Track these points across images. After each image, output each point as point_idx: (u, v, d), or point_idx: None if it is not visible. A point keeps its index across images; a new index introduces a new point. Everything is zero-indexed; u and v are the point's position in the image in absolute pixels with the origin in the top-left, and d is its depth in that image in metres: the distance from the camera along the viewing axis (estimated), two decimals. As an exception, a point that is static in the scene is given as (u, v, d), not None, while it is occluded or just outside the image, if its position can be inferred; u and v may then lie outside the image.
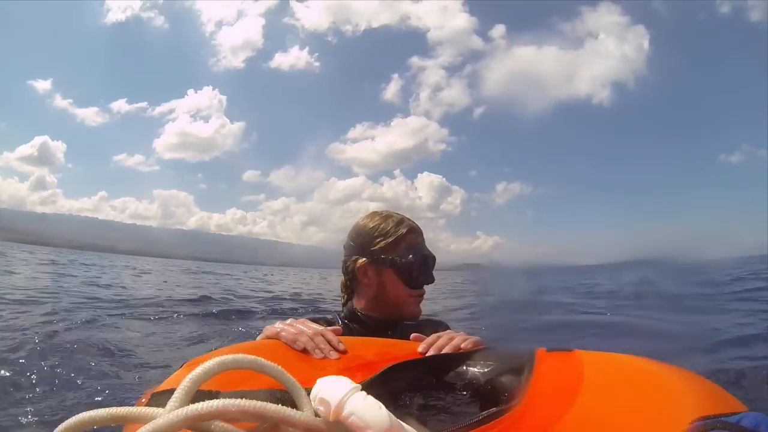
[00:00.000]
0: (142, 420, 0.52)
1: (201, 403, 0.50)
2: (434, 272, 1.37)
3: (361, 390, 0.51)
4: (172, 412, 0.50)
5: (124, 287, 9.10)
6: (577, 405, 0.60)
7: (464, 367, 0.87)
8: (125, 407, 0.54)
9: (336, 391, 0.50)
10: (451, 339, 0.96)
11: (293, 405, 0.58)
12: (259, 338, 1.00)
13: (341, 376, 0.52)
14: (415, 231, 1.36)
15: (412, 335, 1.00)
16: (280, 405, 0.52)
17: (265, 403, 0.51)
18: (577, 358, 0.75)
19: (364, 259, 1.32)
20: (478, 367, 0.86)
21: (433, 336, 0.97)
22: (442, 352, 0.92)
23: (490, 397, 0.77)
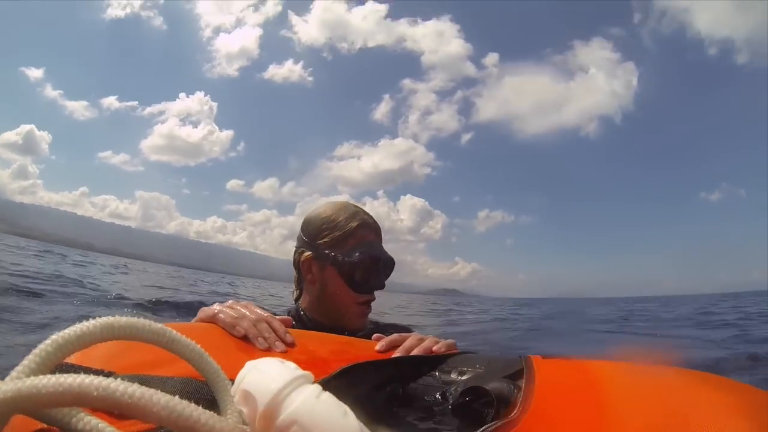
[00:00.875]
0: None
1: (42, 377, 0.30)
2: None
3: (314, 383, 0.30)
4: (3, 386, 0.30)
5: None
6: (602, 411, 0.48)
7: (437, 373, 0.71)
8: None
9: (269, 381, 0.29)
10: (421, 340, 0.79)
11: (211, 403, 0.38)
12: (193, 321, 0.79)
13: (282, 360, 0.32)
14: (368, 226, 1.18)
15: (374, 336, 0.81)
16: (182, 400, 0.31)
17: (153, 392, 0.31)
18: (580, 364, 0.63)
19: (309, 252, 1.16)
20: (456, 373, 0.70)
21: (397, 335, 0.79)
22: (410, 354, 0.74)
23: (471, 408, 0.60)
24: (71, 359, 0.50)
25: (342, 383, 0.45)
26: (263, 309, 0.83)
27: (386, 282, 1.19)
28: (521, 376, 0.59)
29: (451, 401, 0.62)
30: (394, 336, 0.78)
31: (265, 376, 0.30)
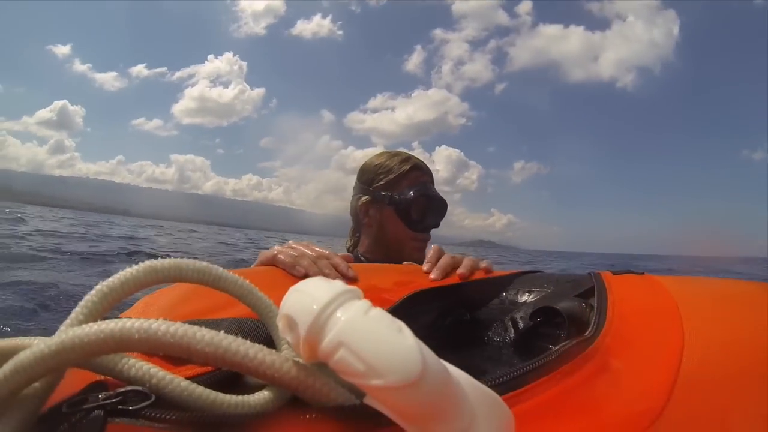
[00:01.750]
0: (11, 353, 0.31)
1: (84, 326, 0.28)
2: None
3: (363, 299, 0.25)
4: (49, 340, 0.29)
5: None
6: (681, 327, 0.42)
7: (504, 295, 0.67)
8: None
9: (310, 301, 0.24)
10: (471, 261, 0.73)
11: (269, 342, 0.35)
12: (253, 266, 0.79)
13: (327, 279, 0.27)
14: (420, 168, 1.25)
15: (425, 266, 0.74)
16: (228, 335, 0.28)
17: (197, 329, 0.27)
18: (653, 280, 0.56)
19: (366, 197, 1.25)
20: (524, 294, 0.65)
21: (448, 257, 0.73)
22: (470, 278, 0.68)
23: (542, 330, 0.56)
24: (130, 315, 0.51)
25: (406, 313, 0.40)
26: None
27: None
28: (593, 294, 0.53)
29: (520, 324, 0.57)
30: (445, 259, 0.72)
31: (306, 296, 0.25)
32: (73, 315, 0.32)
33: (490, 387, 0.27)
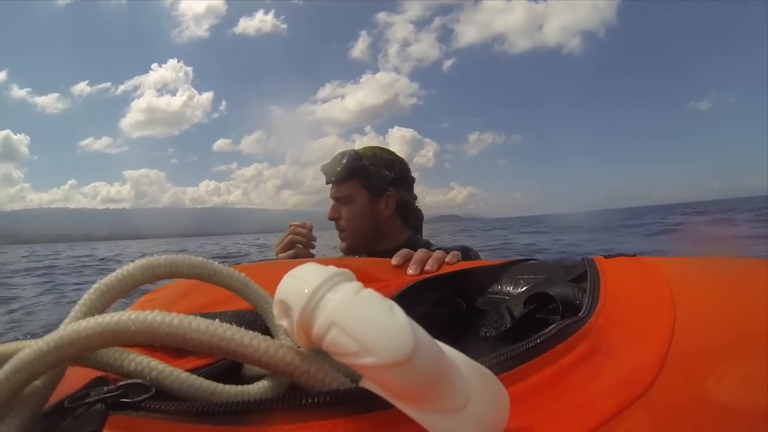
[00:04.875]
0: (12, 355, 0.31)
1: (82, 320, 0.28)
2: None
3: (355, 281, 0.25)
4: (48, 337, 0.29)
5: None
6: (673, 307, 0.42)
7: (498, 286, 0.67)
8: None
9: (302, 285, 0.25)
10: (428, 254, 0.71)
11: (267, 333, 0.35)
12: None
13: (320, 264, 0.27)
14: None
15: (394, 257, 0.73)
16: (223, 324, 0.28)
17: (192, 319, 0.28)
18: (645, 261, 0.57)
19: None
20: (517, 282, 0.66)
21: (406, 250, 0.72)
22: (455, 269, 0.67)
23: (536, 316, 0.56)
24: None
25: (402, 304, 0.41)
26: None
27: None
28: (586, 279, 0.53)
29: (515, 312, 0.57)
30: (404, 251, 0.72)
31: (298, 280, 0.25)
32: (72, 313, 0.33)
33: (486, 367, 0.27)
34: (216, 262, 0.36)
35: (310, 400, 0.27)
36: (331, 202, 1.34)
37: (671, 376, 0.32)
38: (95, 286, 0.34)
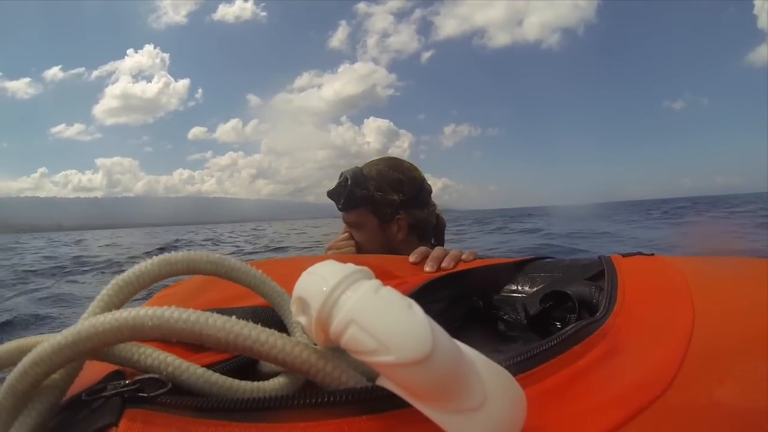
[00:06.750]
0: (28, 349, 0.32)
1: (99, 315, 0.29)
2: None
3: (374, 279, 0.25)
4: (66, 332, 0.29)
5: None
6: (691, 307, 0.42)
7: (515, 286, 0.67)
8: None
9: (321, 282, 0.25)
10: (446, 251, 0.72)
11: (282, 328, 0.35)
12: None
13: (337, 262, 0.27)
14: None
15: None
16: (239, 320, 0.28)
17: (209, 315, 0.28)
18: (662, 261, 0.56)
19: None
20: (534, 280, 0.66)
21: (423, 248, 0.73)
22: (468, 267, 0.67)
23: (552, 315, 0.57)
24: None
25: (419, 302, 0.41)
26: None
27: None
28: (603, 278, 0.53)
29: (531, 309, 0.57)
30: (421, 248, 0.73)
31: (317, 277, 0.25)
32: (90, 308, 0.33)
33: (503, 367, 0.27)
34: (233, 258, 0.36)
35: (326, 398, 0.27)
36: (343, 225, 1.28)
37: (690, 377, 0.31)
38: (113, 281, 0.34)
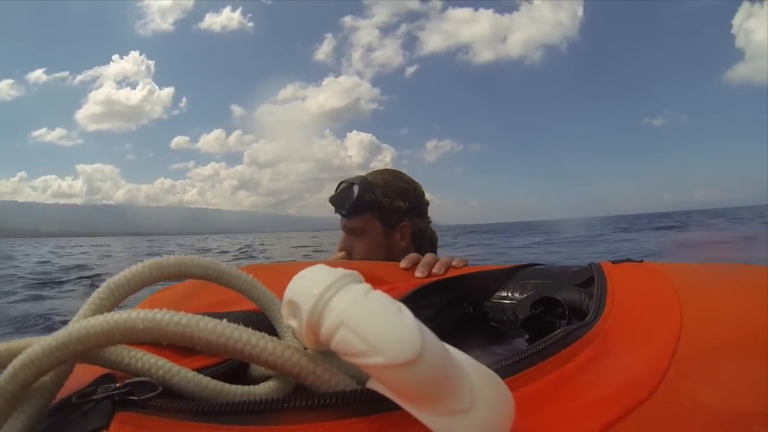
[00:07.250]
0: (18, 351, 0.31)
1: (91, 318, 0.29)
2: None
3: (364, 282, 0.26)
4: (57, 334, 0.29)
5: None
6: (680, 314, 0.42)
7: (505, 293, 0.68)
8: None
9: (311, 285, 0.25)
10: (436, 258, 0.72)
11: (272, 333, 0.35)
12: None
13: (327, 266, 0.27)
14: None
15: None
16: (230, 324, 0.28)
17: (200, 318, 0.28)
18: (652, 267, 0.57)
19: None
20: (524, 287, 0.67)
21: (414, 255, 0.73)
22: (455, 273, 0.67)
23: (543, 321, 0.57)
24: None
25: (409, 307, 0.42)
26: None
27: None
28: (593, 284, 0.53)
29: (521, 315, 0.58)
30: (412, 255, 0.73)
31: (308, 281, 0.26)
32: (81, 311, 0.33)
33: (492, 370, 0.27)
34: (224, 263, 0.37)
35: (316, 401, 0.27)
36: (341, 233, 1.26)
37: (677, 379, 0.32)
38: (104, 284, 0.34)
